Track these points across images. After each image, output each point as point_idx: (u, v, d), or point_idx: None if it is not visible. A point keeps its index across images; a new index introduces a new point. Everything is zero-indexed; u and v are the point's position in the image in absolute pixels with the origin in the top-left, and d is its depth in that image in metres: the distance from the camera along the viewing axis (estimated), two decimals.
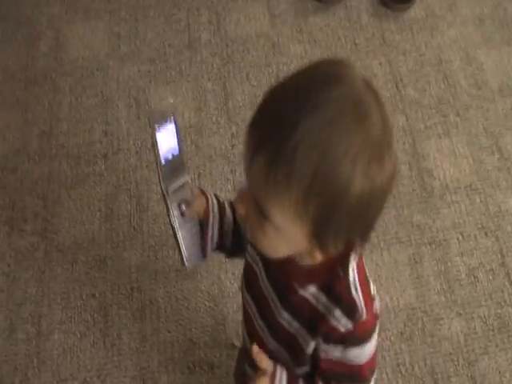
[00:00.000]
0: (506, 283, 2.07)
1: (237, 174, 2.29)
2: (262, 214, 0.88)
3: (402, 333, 2.00)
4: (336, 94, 0.82)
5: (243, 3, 2.74)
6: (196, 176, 2.30)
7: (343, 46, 2.60)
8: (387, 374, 1.93)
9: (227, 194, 2.23)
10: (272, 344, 1.14)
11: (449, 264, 2.10)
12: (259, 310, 1.16)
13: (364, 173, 0.82)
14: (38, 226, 2.25)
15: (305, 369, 1.12)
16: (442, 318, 2.02)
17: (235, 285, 2.07)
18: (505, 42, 2.59)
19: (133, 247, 2.19)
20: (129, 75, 2.55)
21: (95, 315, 2.08)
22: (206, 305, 2.08)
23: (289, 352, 1.12)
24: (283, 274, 1.05)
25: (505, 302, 2.04)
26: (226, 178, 2.31)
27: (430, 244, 2.13)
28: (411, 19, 2.65)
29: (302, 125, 0.80)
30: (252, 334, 1.22)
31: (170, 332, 2.04)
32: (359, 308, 0.99)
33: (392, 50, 2.58)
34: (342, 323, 0.99)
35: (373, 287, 1.04)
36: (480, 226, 2.17)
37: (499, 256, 2.12)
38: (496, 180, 2.26)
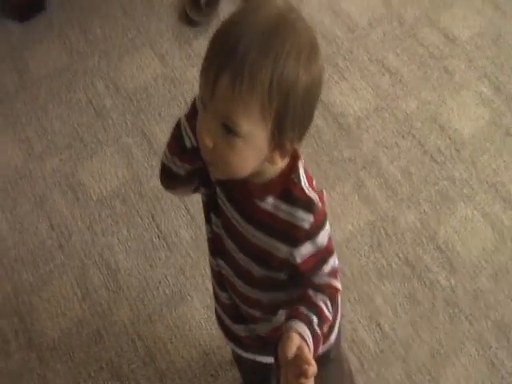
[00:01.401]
0: (433, 164, 2.42)
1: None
2: (231, 131, 1.00)
3: (371, 245, 2.23)
4: (264, 14, 0.99)
5: (130, 57, 2.78)
6: (151, 217, 2.33)
7: None
8: (374, 282, 2.16)
9: (184, 221, 2.29)
10: (245, 261, 1.25)
11: (385, 175, 2.38)
12: (228, 234, 1.26)
13: (306, 68, 0.99)
14: (22, 340, 2.15)
15: (283, 275, 1.23)
16: (397, 217, 2.28)
17: None
18: None
19: (119, 307, 2.15)
20: (52, 168, 2.50)
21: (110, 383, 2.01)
22: (205, 317, 2.09)
23: (263, 264, 1.22)
24: (243, 194, 1.16)
25: (438, 178, 2.38)
26: (178, 206, 2.34)
27: (364, 168, 2.40)
28: None
29: (249, 43, 0.95)
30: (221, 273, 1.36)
31: (183, 357, 2.05)
32: (316, 202, 1.14)
33: None
34: (305, 219, 1.12)
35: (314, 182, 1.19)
36: (396, 133, 2.48)
37: (420, 148, 2.45)
38: (394, 93, 2.59)
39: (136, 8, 2.93)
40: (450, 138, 2.45)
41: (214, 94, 0.98)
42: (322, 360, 1.16)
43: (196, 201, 1.89)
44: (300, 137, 1.07)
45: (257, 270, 1.24)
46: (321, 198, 1.16)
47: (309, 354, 1.04)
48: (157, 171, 1.31)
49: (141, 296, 2.16)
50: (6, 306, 2.22)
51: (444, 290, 2.13)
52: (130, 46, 2.81)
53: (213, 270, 1.43)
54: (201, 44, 2.76)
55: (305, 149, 2.37)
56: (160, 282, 2.19)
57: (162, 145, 2.36)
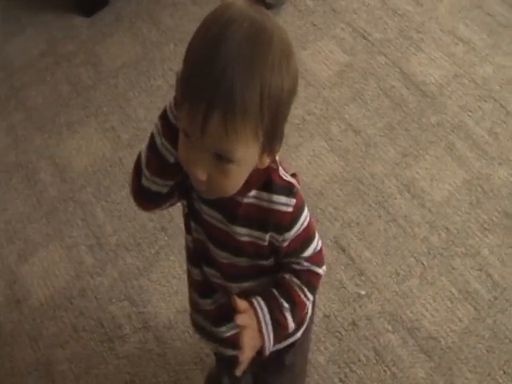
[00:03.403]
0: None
1: None
2: (225, 161, 0.98)
3: (470, 202, 2.28)
4: (240, 29, 0.94)
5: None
6: None
7: (307, 32, 2.81)
8: (478, 236, 2.20)
9: None
10: (231, 259, 1.25)
11: (473, 136, 2.42)
12: (210, 237, 1.26)
13: (287, 74, 0.98)
14: (136, 322, 2.19)
15: (270, 261, 1.26)
16: (491, 174, 2.34)
17: None
18: None
19: None
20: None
21: None
22: None
23: (252, 256, 1.24)
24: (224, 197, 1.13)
25: None
26: None
27: (452, 131, 2.44)
28: None
29: (232, 71, 0.92)
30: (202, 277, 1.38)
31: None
32: (295, 185, 1.17)
33: (345, 14, 2.85)
34: (289, 204, 1.15)
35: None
36: (478, 97, 2.51)
37: (502, 109, 2.49)
38: (470, 60, 2.62)
39: None
40: None
41: (204, 133, 0.96)
42: (276, 365, 1.39)
43: None
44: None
45: (244, 263, 1.26)
46: (297, 180, 1.20)
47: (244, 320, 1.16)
48: None
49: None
50: (115, 291, 2.24)
51: None
52: None
53: (193, 280, 1.44)
54: None
55: (393, 117, 2.40)
56: None
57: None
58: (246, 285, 1.33)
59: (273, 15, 1.01)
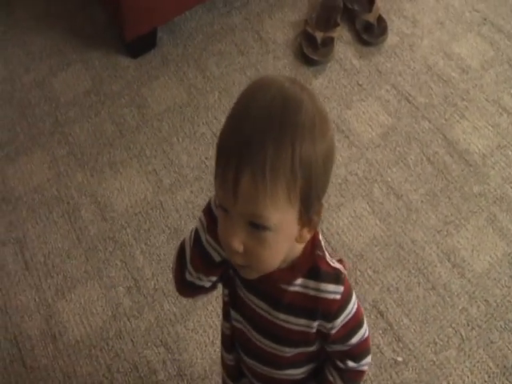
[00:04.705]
0: None
1: None
2: (259, 228, 0.96)
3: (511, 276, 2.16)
4: (269, 96, 0.96)
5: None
6: None
7: (352, 91, 2.83)
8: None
9: None
10: (275, 347, 1.25)
11: None
12: (253, 326, 1.25)
13: (321, 140, 0.96)
14: (171, 369, 2.18)
15: (315, 348, 1.26)
16: None
17: None
18: (466, 31, 3.03)
19: None
20: (184, 200, 2.54)
21: None
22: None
23: (298, 344, 1.24)
24: (268, 283, 1.13)
25: None
26: None
27: (495, 202, 2.47)
28: (391, 46, 2.99)
29: (262, 135, 0.93)
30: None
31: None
32: (342, 271, 1.15)
33: (390, 76, 2.86)
34: (337, 291, 1.13)
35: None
36: None
37: None
38: None
39: (251, 47, 2.99)
40: None
41: (236, 197, 0.94)
42: None
43: None
44: (321, 204, 1.05)
45: (289, 352, 1.25)
46: (343, 266, 1.18)
47: None
48: None
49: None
50: (151, 335, 2.23)
51: None
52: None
53: (226, 364, 1.47)
54: (321, 83, 2.83)
55: (436, 184, 2.43)
56: None
57: None
58: (289, 372, 1.34)
59: (307, 86, 1.03)
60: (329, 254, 1.16)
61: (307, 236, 1.06)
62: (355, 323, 1.22)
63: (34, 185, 2.65)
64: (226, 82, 2.89)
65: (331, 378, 1.32)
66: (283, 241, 1.02)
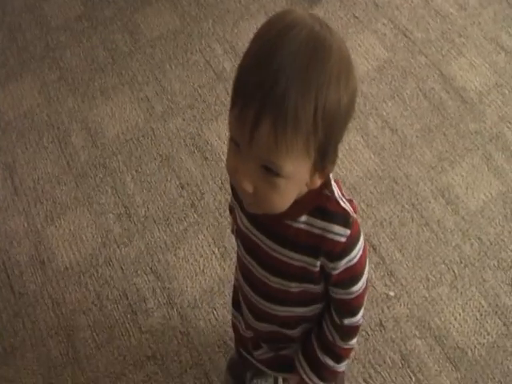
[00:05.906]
0: None
1: None
2: (273, 173, 0.93)
3: (505, 215, 2.15)
4: (298, 38, 0.89)
5: (246, 22, 2.80)
6: None
7: (348, 23, 2.78)
8: (510, 250, 2.19)
9: None
10: (280, 283, 1.23)
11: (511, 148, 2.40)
12: (258, 262, 1.23)
13: (345, 89, 0.92)
14: (161, 298, 2.17)
15: (320, 287, 1.24)
16: None
17: None
18: None
19: None
20: (176, 128, 2.49)
21: None
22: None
23: (303, 280, 1.22)
24: (273, 219, 1.09)
25: None
26: None
27: (490, 141, 2.42)
28: None
29: (286, 80, 0.87)
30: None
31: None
32: (351, 214, 1.11)
33: (387, 9, 2.82)
34: (342, 234, 1.09)
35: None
36: None
37: None
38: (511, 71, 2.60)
39: None
40: None
41: (252, 139, 0.90)
42: None
43: None
44: (336, 154, 1.02)
45: (295, 287, 1.23)
46: (353, 207, 1.14)
47: None
48: None
49: None
50: (141, 263, 2.22)
51: None
52: (245, 11, 2.81)
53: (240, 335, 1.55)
54: (317, 14, 2.73)
55: (431, 119, 2.40)
56: None
57: None
58: (292, 309, 1.32)
59: (334, 29, 0.97)
60: (341, 192, 1.13)
61: (318, 182, 1.03)
62: (358, 270, 1.19)
63: (23, 110, 2.60)
64: (220, 9, 2.83)
65: (330, 338, 1.31)
66: (294, 187, 1.00)
